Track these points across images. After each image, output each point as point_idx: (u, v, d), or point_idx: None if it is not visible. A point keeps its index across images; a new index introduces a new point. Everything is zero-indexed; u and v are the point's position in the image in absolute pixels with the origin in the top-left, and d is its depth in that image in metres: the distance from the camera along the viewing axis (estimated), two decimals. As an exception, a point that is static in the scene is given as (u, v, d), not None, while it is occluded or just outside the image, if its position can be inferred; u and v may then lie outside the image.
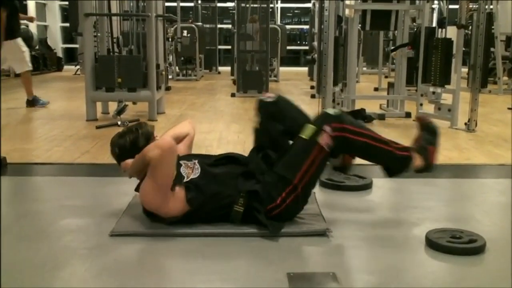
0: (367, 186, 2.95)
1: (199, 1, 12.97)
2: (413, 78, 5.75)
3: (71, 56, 14.56)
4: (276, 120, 2.40)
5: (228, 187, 2.23)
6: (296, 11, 16.52)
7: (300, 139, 2.24)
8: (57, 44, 14.07)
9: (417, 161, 2.34)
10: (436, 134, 2.41)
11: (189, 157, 2.38)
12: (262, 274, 1.86)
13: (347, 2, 5.45)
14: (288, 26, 14.43)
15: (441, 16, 5.82)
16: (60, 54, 13.91)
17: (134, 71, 5.30)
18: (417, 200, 2.80)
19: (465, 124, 4.93)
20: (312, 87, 8.68)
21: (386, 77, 9.75)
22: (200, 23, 11.70)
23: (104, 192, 2.87)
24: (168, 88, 8.03)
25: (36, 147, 4.06)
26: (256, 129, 2.48)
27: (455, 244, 2.05)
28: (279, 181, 2.22)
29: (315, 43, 8.58)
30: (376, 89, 8.37)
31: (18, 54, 6.39)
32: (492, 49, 8.05)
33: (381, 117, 5.61)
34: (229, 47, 12.69)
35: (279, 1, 14.73)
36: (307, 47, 12.92)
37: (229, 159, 2.39)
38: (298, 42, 16.08)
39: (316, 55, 7.76)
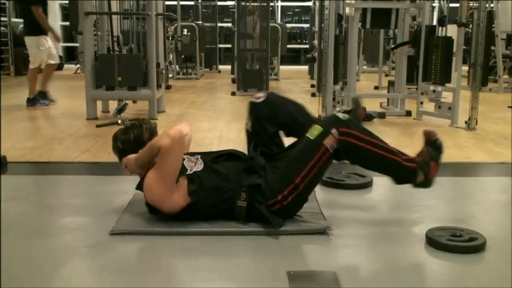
0: (367, 185, 2.95)
1: (199, 0, 12.96)
2: (413, 77, 5.74)
3: (71, 54, 14.56)
4: (270, 119, 2.40)
5: (230, 181, 2.24)
6: (296, 10, 16.50)
7: (306, 139, 2.24)
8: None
9: (420, 175, 2.33)
10: (441, 151, 2.39)
11: (192, 153, 2.39)
12: (262, 272, 1.86)
13: (348, 1, 5.44)
14: (288, 25, 14.41)
15: (442, 15, 5.81)
16: (60, 52, 13.88)
17: (134, 69, 5.30)
18: (417, 198, 2.80)
19: (466, 122, 4.92)
20: (312, 86, 8.68)
21: (386, 75, 9.74)
22: (200, 22, 11.69)
23: (104, 190, 2.87)
24: (168, 87, 8.03)
25: (36, 145, 4.06)
26: (248, 132, 2.49)
27: (456, 243, 2.05)
28: (281, 178, 2.22)
29: (316, 42, 8.58)
30: (376, 88, 8.37)
31: (33, 50, 6.42)
32: (492, 47, 8.04)
33: (382, 115, 5.61)
34: (230, 45, 12.68)
35: (279, 0, 14.71)
36: (307, 46, 12.91)
37: (230, 156, 2.40)
38: (299, 40, 16.06)
39: (316, 54, 7.76)
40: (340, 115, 2.30)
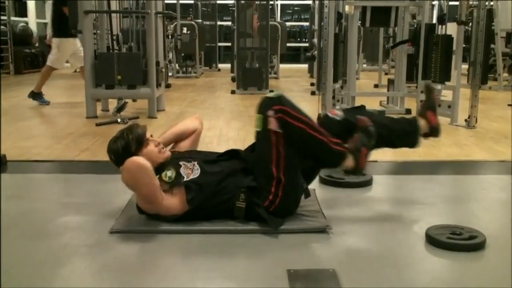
0: (367, 183, 2.95)
1: (199, -2, 12.96)
2: (413, 75, 5.73)
3: (71, 53, 14.52)
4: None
5: (228, 184, 2.24)
6: (296, 8, 16.49)
7: (257, 133, 2.24)
8: (57, 41, 14.02)
9: (348, 161, 2.27)
10: (372, 137, 2.33)
11: (190, 157, 2.38)
12: (262, 270, 1.86)
13: (347, -1, 5.44)
14: (288, 23, 14.42)
15: (441, 13, 5.80)
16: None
17: (134, 68, 5.30)
18: (417, 196, 2.80)
19: (465, 120, 4.92)
20: (312, 84, 8.68)
21: (386, 73, 9.74)
22: (200, 20, 11.69)
23: (104, 189, 2.87)
24: (168, 85, 8.02)
25: (35, 144, 4.06)
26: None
27: (455, 241, 2.05)
28: (263, 178, 2.22)
29: (315, 40, 8.58)
30: (376, 86, 8.36)
31: (54, 50, 6.44)
32: (492, 45, 8.03)
33: (381, 113, 5.60)
34: (229, 44, 12.67)
35: (279, -2, 14.72)
36: (307, 44, 12.90)
37: (231, 154, 2.40)
38: (298, 39, 16.05)
39: (316, 52, 7.75)
40: (270, 94, 2.27)
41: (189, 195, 2.20)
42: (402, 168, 3.35)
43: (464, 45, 5.53)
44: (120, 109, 5.19)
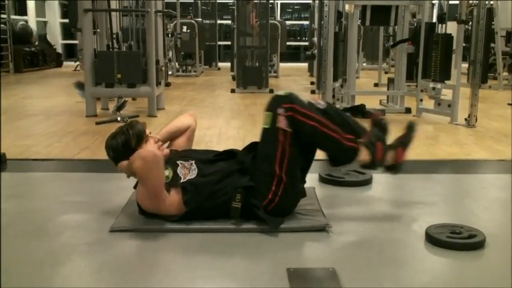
0: (367, 182, 2.95)
1: (199, -3, 12.95)
2: (413, 74, 5.73)
3: (71, 52, 14.54)
4: None
5: (225, 185, 2.23)
6: (296, 7, 16.48)
7: (264, 130, 2.24)
8: (57, 40, 14.05)
9: (364, 155, 2.25)
10: (386, 131, 2.35)
11: (188, 156, 2.37)
12: (261, 269, 1.86)
13: (347, -2, 5.44)
14: (288, 22, 14.41)
15: (441, 12, 5.81)
16: (59, 50, 13.89)
17: (134, 67, 5.30)
18: (417, 195, 2.80)
19: (465, 119, 4.92)
20: (312, 83, 8.67)
21: (386, 72, 9.74)
22: (199, 19, 11.67)
23: (103, 188, 2.87)
24: (167, 84, 8.02)
25: (35, 143, 4.06)
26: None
27: (455, 240, 2.05)
28: (263, 176, 2.22)
29: (315, 39, 8.57)
30: (376, 85, 8.36)
31: None
32: (492, 44, 8.03)
33: (381, 112, 5.60)
34: (229, 43, 12.67)
35: (279, -3, 14.71)
36: (307, 43, 12.90)
37: (228, 155, 2.39)
38: (298, 37, 16.05)
39: (316, 51, 7.75)
40: (280, 92, 2.26)
41: (185, 196, 2.20)
42: (402, 167, 3.34)
43: (464, 44, 5.54)
44: (120, 107, 5.19)
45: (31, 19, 12.99)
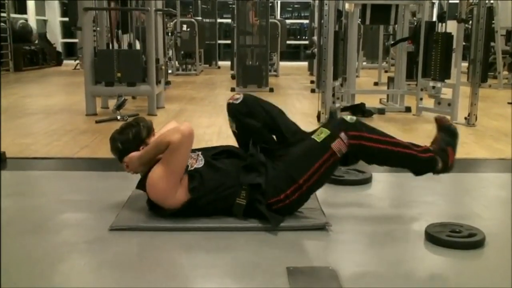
0: (366, 181, 2.95)
1: (199, -4, 12.94)
2: (413, 73, 5.74)
3: (71, 50, 14.54)
4: (251, 116, 2.40)
5: (230, 179, 2.23)
6: (296, 6, 16.48)
7: (312, 141, 2.23)
8: (57, 38, 14.05)
9: (438, 163, 2.32)
10: (456, 136, 2.39)
11: (192, 149, 2.38)
12: (261, 267, 1.86)
13: (347, -3, 5.43)
14: (288, 21, 14.41)
15: (441, 11, 5.80)
16: (59, 48, 13.89)
17: (134, 65, 5.29)
18: (416, 194, 2.80)
19: (465, 118, 4.92)
20: (312, 82, 8.67)
21: (386, 71, 9.73)
22: (199, 18, 11.67)
23: (103, 186, 2.87)
24: (167, 83, 8.01)
25: (35, 141, 4.06)
26: (234, 132, 2.49)
27: (455, 238, 2.05)
28: (284, 177, 2.22)
29: (315, 38, 8.55)
30: (376, 84, 8.35)
31: None
32: (492, 43, 8.03)
33: (381, 111, 5.61)
34: (229, 41, 12.67)
35: (278, -4, 14.71)
36: (307, 42, 12.91)
37: (230, 153, 2.39)
38: (298, 36, 16.05)
39: (316, 50, 7.73)
40: (348, 118, 2.27)
41: (191, 183, 2.19)
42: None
43: (464, 43, 5.54)
44: (119, 106, 5.19)
45: (31, 17, 12.99)
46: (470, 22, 6.16)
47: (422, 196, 2.74)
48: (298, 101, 6.49)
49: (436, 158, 2.31)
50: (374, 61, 11.05)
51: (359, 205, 2.61)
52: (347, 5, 5.49)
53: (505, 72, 8.76)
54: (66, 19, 13.07)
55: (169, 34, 9.75)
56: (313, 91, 7.47)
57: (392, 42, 7.28)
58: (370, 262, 1.95)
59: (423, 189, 2.87)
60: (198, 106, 6.23)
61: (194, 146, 2.60)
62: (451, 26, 5.27)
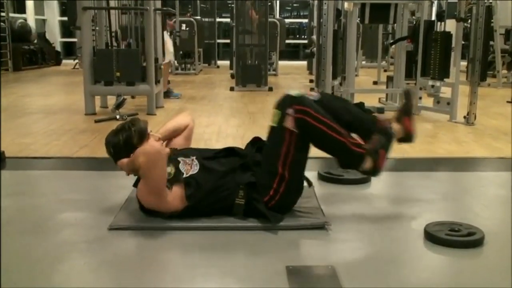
0: (366, 180, 2.94)
1: (198, -5, 12.93)
2: (412, 72, 5.73)
3: (70, 50, 14.54)
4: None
5: (227, 180, 2.24)
6: (295, 5, 16.48)
7: (271, 128, 2.24)
8: (56, 38, 14.05)
9: (367, 162, 2.28)
10: (392, 140, 2.36)
11: (188, 153, 2.37)
12: (261, 267, 1.86)
13: (346, -4, 5.43)
14: (287, 20, 14.41)
15: (440, 10, 5.81)
16: (58, 48, 13.89)
17: (133, 65, 5.29)
18: (416, 193, 2.80)
19: (464, 117, 4.92)
20: (311, 81, 8.67)
21: (385, 70, 9.74)
22: (199, 17, 11.67)
23: (102, 186, 2.87)
24: (167, 82, 8.01)
25: (34, 141, 4.06)
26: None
27: (454, 237, 2.05)
28: (266, 173, 2.22)
29: (314, 37, 8.57)
30: (375, 83, 8.36)
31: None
32: (491, 42, 8.04)
33: (380, 110, 5.59)
34: (228, 41, 12.67)
35: (278, -5, 14.70)
36: (306, 41, 12.90)
37: (229, 151, 2.39)
38: (297, 36, 16.05)
39: (315, 49, 7.75)
40: (293, 92, 2.26)
41: (188, 191, 2.20)
42: (401, 165, 3.35)
43: (463, 42, 5.54)
44: (119, 105, 5.19)
45: (30, 17, 12.99)
46: (469, 21, 6.15)
47: (421, 195, 2.74)
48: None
49: (365, 157, 2.27)
50: (373, 60, 11.06)
51: (358, 204, 2.61)
52: (346, 4, 5.49)
53: (504, 71, 8.77)
54: (65, 18, 13.06)
55: (168, 33, 9.73)
56: (312, 90, 7.47)
57: (391, 41, 7.28)
58: (369, 261, 1.95)
59: (422, 188, 2.87)
60: (197, 106, 6.23)
61: (194, 146, 2.62)
62: (450, 25, 5.28)
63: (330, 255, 2.00)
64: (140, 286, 1.73)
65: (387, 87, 6.38)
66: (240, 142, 2.55)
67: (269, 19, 8.81)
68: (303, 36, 15.33)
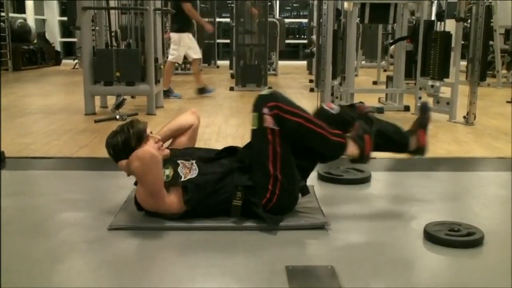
0: (365, 180, 2.95)
1: (198, -5, 12.93)
2: (412, 72, 5.74)
3: (69, 50, 14.53)
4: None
5: (225, 183, 2.23)
6: (295, 5, 16.48)
7: (252, 131, 2.23)
8: (55, 38, 14.04)
9: (352, 149, 2.25)
10: (373, 123, 2.34)
11: (188, 154, 2.37)
12: (261, 267, 1.86)
13: (346, -4, 5.43)
14: (287, 20, 14.40)
15: (440, 9, 5.80)
16: (58, 48, 13.88)
17: (133, 65, 5.29)
18: (415, 193, 2.80)
19: (464, 117, 4.92)
20: (311, 81, 8.67)
21: (385, 70, 9.74)
22: (198, 17, 11.65)
23: (102, 186, 2.87)
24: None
25: (34, 141, 4.06)
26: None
27: (454, 237, 2.05)
28: (260, 177, 2.21)
29: (314, 37, 8.57)
30: (375, 83, 8.36)
31: (175, 46, 6.90)
32: (491, 42, 8.03)
33: (380, 110, 5.61)
34: (228, 41, 12.66)
35: (278, -5, 14.70)
36: (306, 41, 12.90)
37: (229, 152, 2.39)
38: (297, 35, 16.05)
39: (314, 49, 7.74)
40: (264, 91, 2.25)
41: (186, 195, 2.19)
42: (401, 165, 3.35)
43: (462, 42, 5.54)
44: (118, 105, 5.19)
45: (30, 17, 12.98)
46: (469, 21, 6.15)
47: (421, 195, 2.74)
48: (297, 100, 6.44)
49: (346, 144, 2.25)
50: (373, 60, 11.06)
51: (358, 204, 2.61)
52: (346, 4, 5.49)
53: (504, 71, 8.77)
54: (65, 18, 13.06)
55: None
56: (312, 90, 7.47)
57: (391, 41, 7.28)
58: (369, 261, 1.95)
59: (422, 188, 2.87)
60: (197, 105, 6.22)
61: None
62: (450, 25, 5.28)
63: (329, 255, 2.00)
64: (140, 286, 1.73)
65: (386, 87, 6.38)
66: (240, 142, 2.55)
67: (269, 19, 8.80)
68: (303, 36, 15.32)
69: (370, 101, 5.95)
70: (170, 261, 1.98)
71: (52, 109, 5.75)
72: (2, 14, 10.79)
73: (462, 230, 2.10)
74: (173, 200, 2.20)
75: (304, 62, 11.77)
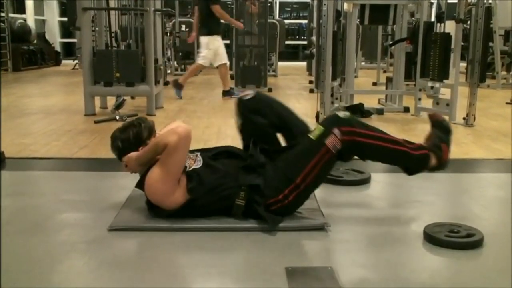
0: (365, 181, 2.95)
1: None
2: (411, 73, 5.74)
3: (69, 50, 14.53)
4: (259, 113, 2.41)
5: (229, 179, 2.24)
6: (294, 6, 16.48)
7: (308, 139, 2.23)
8: (55, 38, 14.04)
9: (432, 159, 2.31)
10: (450, 132, 2.39)
11: (191, 150, 2.38)
12: (260, 267, 1.86)
13: (346, -3, 5.44)
14: (286, 21, 14.40)
15: (440, 11, 5.81)
16: (58, 48, 13.88)
17: (132, 65, 5.29)
18: (415, 194, 2.81)
19: (464, 118, 4.93)
20: (310, 82, 8.67)
21: (384, 71, 9.73)
22: (198, 18, 11.65)
23: (102, 186, 2.87)
24: (166, 83, 8.01)
25: (34, 141, 4.06)
26: (240, 129, 2.50)
27: (453, 239, 2.05)
28: (282, 178, 2.21)
29: (314, 38, 8.56)
30: (374, 84, 8.37)
31: (204, 48, 6.92)
32: (490, 43, 8.04)
33: (380, 111, 5.61)
34: (228, 41, 12.65)
35: (277, -4, 14.70)
36: (305, 42, 12.89)
37: (229, 153, 2.39)
38: (297, 36, 16.04)
39: (314, 50, 7.74)
40: (341, 113, 2.26)
41: (190, 184, 2.19)
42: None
43: (462, 43, 5.54)
44: (118, 106, 5.19)
45: (30, 17, 12.98)
46: (469, 22, 6.17)
47: (420, 196, 2.75)
48: (297, 101, 6.49)
49: (429, 155, 2.31)
50: (373, 61, 11.06)
51: (358, 205, 2.61)
52: (345, 5, 5.49)
53: (504, 72, 8.77)
54: (65, 19, 13.05)
55: (168, 34, 9.75)
56: (311, 91, 7.47)
57: (391, 42, 7.28)
58: (369, 262, 1.95)
59: (422, 189, 2.87)
60: (197, 106, 6.23)
61: (193, 147, 2.62)
62: (450, 26, 5.28)
63: (329, 256, 2.00)
64: (140, 286, 1.73)
65: (386, 88, 6.38)
66: (240, 142, 2.55)
67: (269, 20, 8.80)
68: (302, 37, 15.31)
69: (370, 102, 5.95)
70: (170, 261, 1.98)
71: (52, 110, 5.75)
72: (2, 14, 10.79)
73: (462, 231, 2.10)
74: (177, 188, 2.20)
75: (304, 63, 11.77)
